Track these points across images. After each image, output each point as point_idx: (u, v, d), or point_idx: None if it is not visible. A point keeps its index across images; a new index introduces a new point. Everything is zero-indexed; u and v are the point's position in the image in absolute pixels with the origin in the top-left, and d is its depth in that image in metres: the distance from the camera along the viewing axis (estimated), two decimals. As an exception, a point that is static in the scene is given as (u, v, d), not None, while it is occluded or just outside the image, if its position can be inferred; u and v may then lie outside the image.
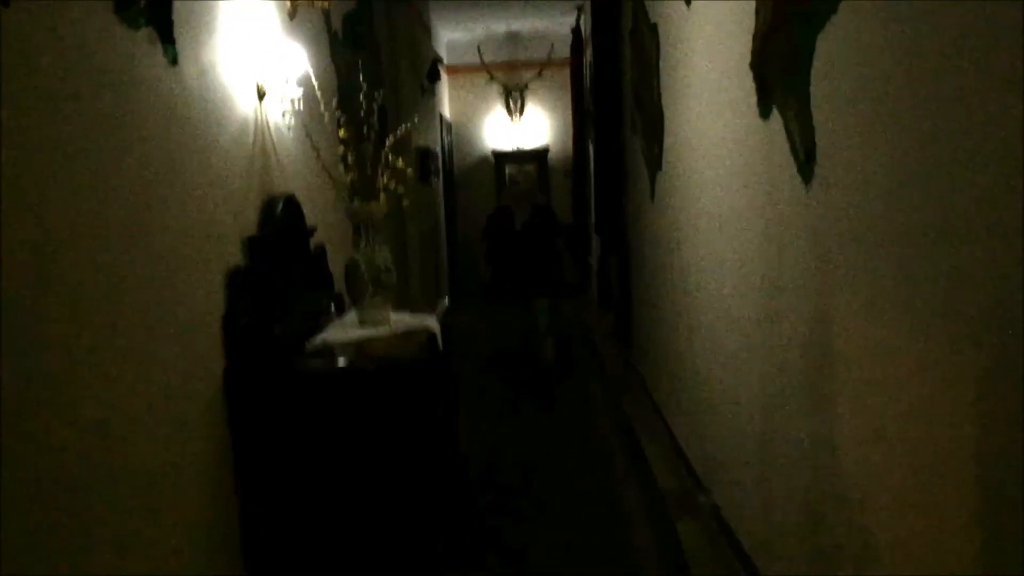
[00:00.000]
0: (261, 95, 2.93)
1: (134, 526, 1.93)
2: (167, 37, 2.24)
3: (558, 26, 9.57)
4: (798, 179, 2.10)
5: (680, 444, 3.86)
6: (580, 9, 8.38)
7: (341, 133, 2.88)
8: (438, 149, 8.58)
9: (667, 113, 4.02)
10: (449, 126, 10.09)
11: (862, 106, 1.73)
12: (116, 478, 1.85)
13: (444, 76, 9.85)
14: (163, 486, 2.09)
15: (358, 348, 2.72)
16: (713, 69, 3.01)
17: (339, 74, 4.06)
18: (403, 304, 5.91)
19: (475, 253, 7.86)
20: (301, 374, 2.55)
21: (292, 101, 2.98)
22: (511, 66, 10.37)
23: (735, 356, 2.86)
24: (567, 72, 9.10)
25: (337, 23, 4.20)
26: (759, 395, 2.60)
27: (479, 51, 10.12)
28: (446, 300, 5.09)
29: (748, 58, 2.48)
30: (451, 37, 10.09)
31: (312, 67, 3.14)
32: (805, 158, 2.04)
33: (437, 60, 8.03)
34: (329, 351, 2.67)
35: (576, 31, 8.67)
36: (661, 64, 4.08)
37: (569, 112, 9.21)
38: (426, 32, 8.22)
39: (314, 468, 2.48)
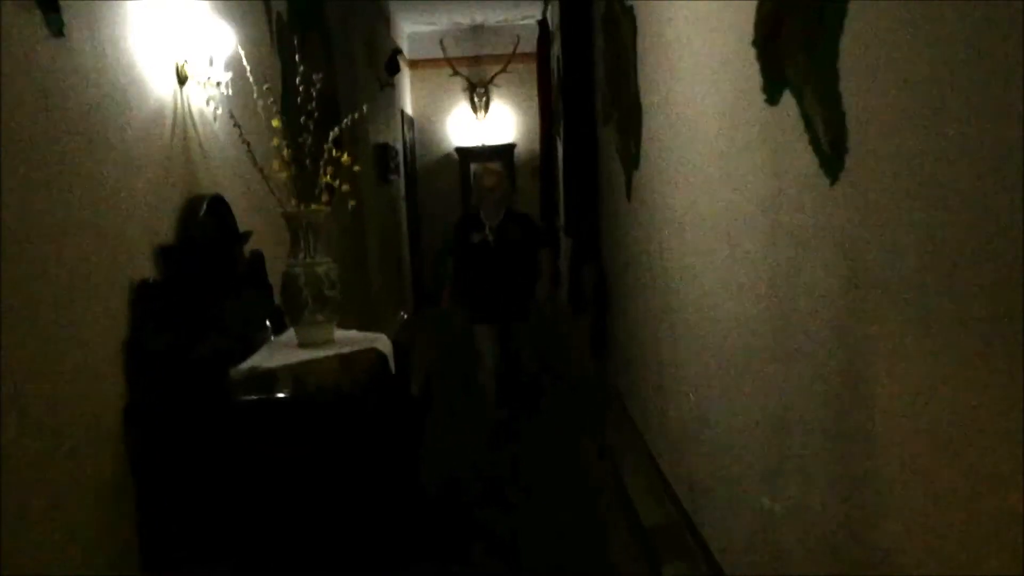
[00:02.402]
0: (182, 79, 2.51)
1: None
2: (49, 3, 1.82)
3: (524, 19, 9.19)
4: (819, 174, 1.73)
5: (664, 473, 3.49)
6: (547, 1, 8.01)
7: (274, 123, 2.47)
8: (399, 146, 8.14)
9: (646, 105, 3.65)
10: (411, 122, 9.66)
11: (914, 82, 1.37)
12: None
13: (406, 71, 9.42)
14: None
15: (294, 375, 2.32)
16: (703, 52, 2.64)
17: (285, 62, 3.63)
18: (365, 319, 5.50)
19: (438, 266, 6.41)
20: (217, 410, 2.13)
21: (219, 85, 2.57)
22: (476, 60, 9.96)
23: (733, 373, 2.49)
24: (534, 67, 8.71)
25: (281, 4, 3.77)
26: (764, 419, 2.23)
27: (442, 45, 9.70)
28: (402, 315, 4.68)
29: (750, 35, 2.11)
30: (413, 30, 9.65)
31: (246, 49, 2.73)
32: (831, 149, 1.67)
33: (396, 52, 7.60)
34: (258, 380, 2.26)
35: (543, 23, 8.29)
36: (638, 51, 3.71)
37: (536, 108, 8.83)
38: (385, 22, 7.79)
39: (234, 522, 2.07)
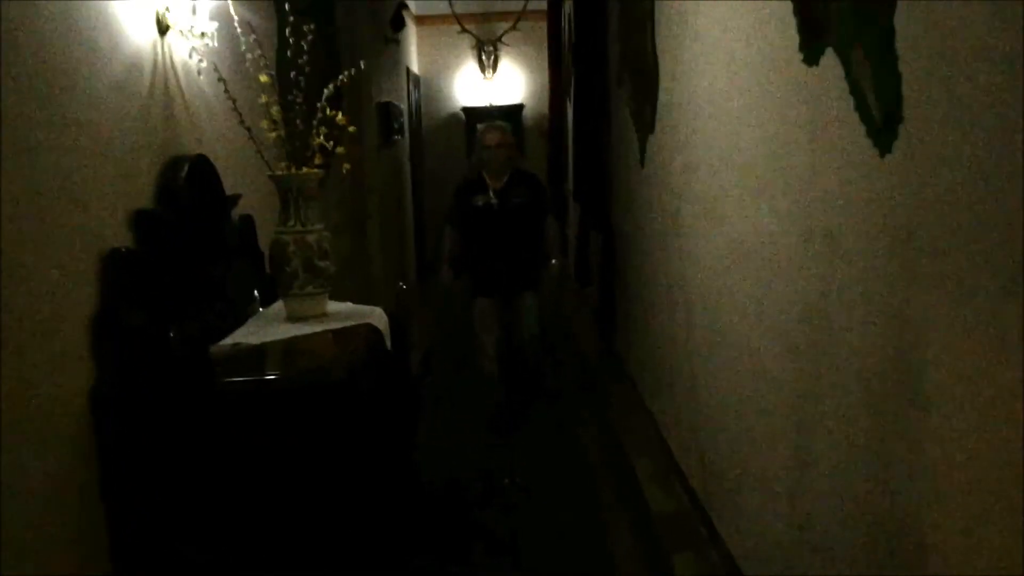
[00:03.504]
0: (163, 28, 2.30)
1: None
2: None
3: (535, -26, 8.89)
4: (866, 144, 1.54)
5: (675, 457, 3.33)
6: (560, -45, 7.71)
7: (262, 78, 2.27)
8: (404, 105, 7.90)
9: (663, 65, 3.42)
10: (417, 80, 9.39)
11: (986, 45, 1.17)
12: None
13: (412, 27, 9.13)
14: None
15: (280, 354, 2.14)
16: (730, 6, 2.42)
17: (281, 13, 3.40)
18: (364, 289, 5.25)
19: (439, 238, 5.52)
20: (194, 392, 1.95)
21: (203, 36, 2.36)
22: (484, 17, 9.65)
23: (756, 355, 2.32)
24: (544, 25, 8.42)
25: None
26: (792, 406, 2.06)
27: (450, 1, 9.39)
28: (401, 285, 4.46)
29: (787, -14, 1.90)
30: (420, -16, 9.35)
31: (234, -2, 2.52)
32: (883, 117, 1.47)
33: (402, 6, 7.32)
34: (241, 358, 2.08)
35: (555, -21, 8.00)
36: (656, 7, 3.48)
37: (546, 68, 8.56)
38: (391, -24, 7.50)
39: (212, 517, 1.91)
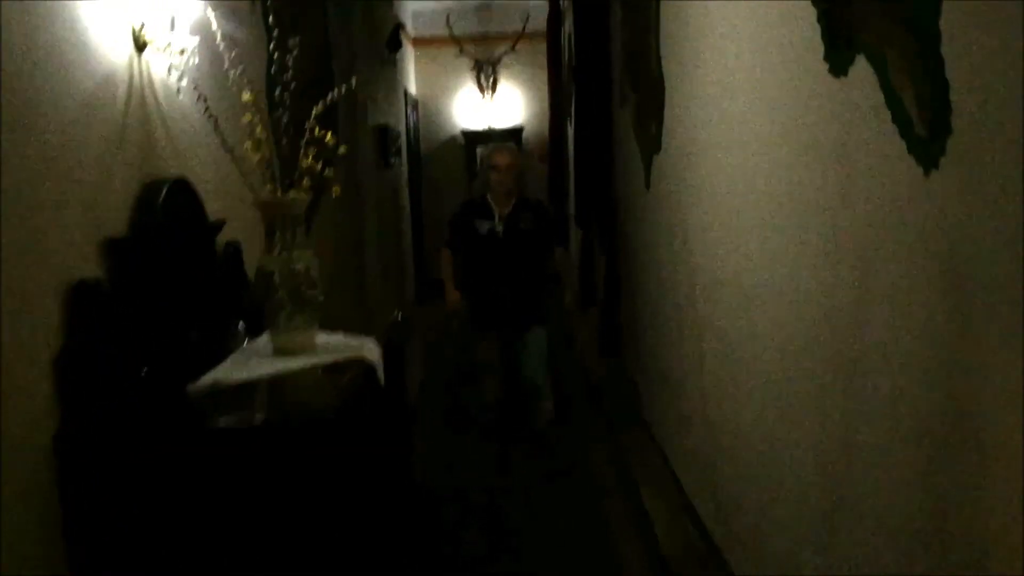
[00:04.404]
0: (141, 45, 2.16)
1: None
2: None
3: (534, -5, 8.81)
4: (907, 161, 1.38)
5: (687, 495, 3.15)
6: (558, -24, 7.62)
7: (245, 96, 2.12)
8: (401, 128, 7.78)
9: (669, 82, 3.29)
10: (415, 102, 9.28)
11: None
12: None
13: (410, 49, 9.03)
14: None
15: (264, 391, 1.98)
16: (743, 14, 2.28)
17: (272, 35, 3.26)
18: (361, 317, 5.05)
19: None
20: (167, 436, 1.79)
21: (183, 52, 2.21)
22: (483, 39, 9.56)
23: (778, 388, 2.16)
24: (543, 46, 8.33)
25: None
26: (822, 443, 1.89)
27: (448, 22, 9.30)
28: (397, 314, 4.26)
29: (809, -9, 1.76)
30: (417, 6, 9.25)
31: (218, 13, 2.37)
32: (928, 131, 1.32)
33: (399, 26, 7.22)
34: (219, 397, 1.92)
35: (554, 0, 7.91)
36: (661, 20, 3.35)
37: (545, 89, 8.45)
38: (387, -4, 7.40)
39: (188, 566, 1.74)
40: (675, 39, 3.14)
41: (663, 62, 3.34)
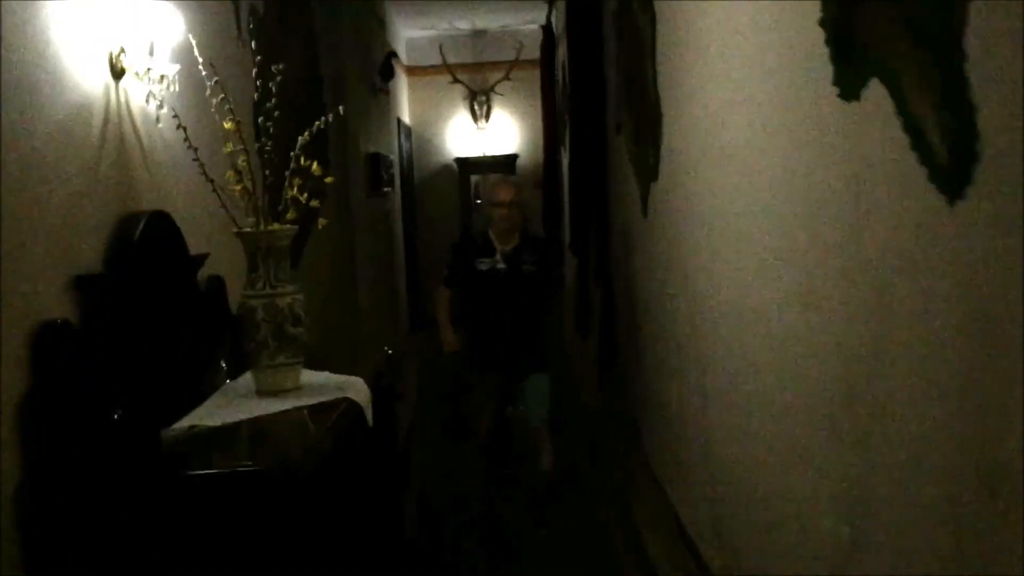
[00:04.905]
0: (118, 72, 2.07)
1: None
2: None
3: (527, 24, 8.78)
4: (929, 190, 1.29)
5: (690, 535, 3.03)
6: (552, 4, 7.59)
7: (226, 125, 2.04)
8: (394, 156, 7.71)
9: (667, 109, 3.21)
10: (408, 131, 9.22)
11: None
12: None
13: (403, 78, 9.00)
14: None
15: (244, 437, 1.87)
16: (745, 39, 2.20)
17: (259, 62, 3.18)
18: (351, 353, 4.93)
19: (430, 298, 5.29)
20: (139, 485, 1.67)
21: (163, 80, 2.13)
22: (476, 67, 9.53)
23: (787, 436, 2.05)
24: (537, 74, 8.29)
25: (256, -5, 3.33)
26: (836, 498, 1.79)
27: (441, 51, 9.28)
28: (386, 350, 4.15)
29: (815, 11, 1.67)
30: (411, 35, 9.24)
31: (202, 40, 2.29)
32: (952, 158, 1.23)
33: (391, 55, 7.17)
34: (197, 442, 1.81)
35: (548, 28, 7.88)
36: (658, 46, 3.28)
37: (539, 117, 8.41)
38: (380, 25, 7.36)
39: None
40: (673, 65, 3.07)
41: (660, 88, 3.27)
